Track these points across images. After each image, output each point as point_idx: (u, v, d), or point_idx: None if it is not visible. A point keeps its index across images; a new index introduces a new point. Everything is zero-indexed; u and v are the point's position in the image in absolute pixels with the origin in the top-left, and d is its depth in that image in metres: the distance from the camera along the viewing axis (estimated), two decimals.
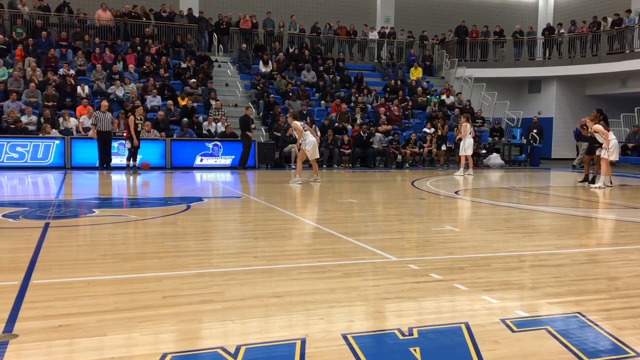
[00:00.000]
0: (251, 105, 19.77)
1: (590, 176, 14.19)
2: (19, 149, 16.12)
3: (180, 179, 14.78)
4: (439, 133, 20.59)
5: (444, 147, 20.49)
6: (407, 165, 20.08)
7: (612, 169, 13.98)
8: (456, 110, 22.33)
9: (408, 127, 21.66)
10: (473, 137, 17.52)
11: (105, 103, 16.35)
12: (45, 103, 17.77)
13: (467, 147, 16.87)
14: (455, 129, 20.53)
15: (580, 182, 14.49)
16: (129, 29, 22.81)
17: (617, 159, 13.75)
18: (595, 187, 13.24)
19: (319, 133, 18.86)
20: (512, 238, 6.84)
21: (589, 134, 13.90)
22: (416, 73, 25.22)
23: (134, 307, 3.94)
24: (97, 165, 16.40)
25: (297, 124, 13.15)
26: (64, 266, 5.14)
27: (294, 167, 18.46)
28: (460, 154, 17.34)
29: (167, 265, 5.21)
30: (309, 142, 13.04)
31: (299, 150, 13.58)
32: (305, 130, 13.14)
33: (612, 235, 7.72)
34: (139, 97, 18.89)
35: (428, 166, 20.53)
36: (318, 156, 13.64)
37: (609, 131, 13.39)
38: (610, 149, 13.03)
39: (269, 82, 22.12)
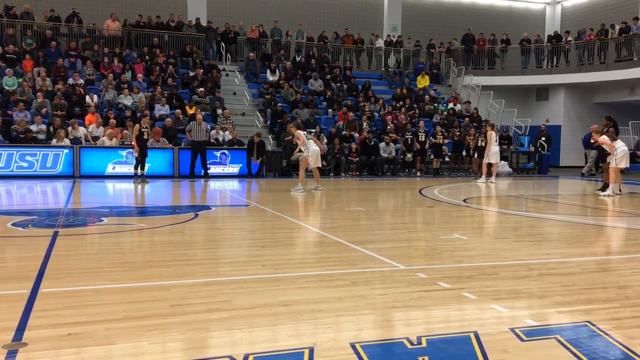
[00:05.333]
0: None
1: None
2: (28, 157, 16.22)
3: (188, 187, 14.82)
4: (455, 139, 20.68)
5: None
6: (418, 174, 20.04)
7: (621, 176, 13.90)
8: (466, 119, 22.33)
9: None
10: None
11: (200, 116, 17.26)
12: (54, 112, 17.90)
13: (491, 155, 16.94)
14: (467, 137, 20.57)
15: (598, 190, 14.35)
16: (137, 39, 22.98)
17: (627, 166, 13.65)
18: (604, 195, 13.16)
19: (325, 140, 18.90)
20: (520, 246, 6.81)
21: (596, 144, 13.87)
22: (423, 81, 25.23)
23: (142, 315, 3.95)
24: (189, 174, 16.93)
25: (300, 133, 13.28)
26: (73, 275, 5.15)
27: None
28: (484, 162, 17.38)
29: (175, 273, 5.22)
30: (313, 151, 13.11)
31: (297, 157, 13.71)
32: (308, 139, 13.26)
33: (622, 244, 7.67)
34: (147, 106, 18.99)
35: (435, 175, 20.47)
36: (320, 165, 13.71)
37: (616, 139, 13.33)
38: (617, 156, 12.97)
39: (277, 91, 22.19)
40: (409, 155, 20.03)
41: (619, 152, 13.03)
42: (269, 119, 20.92)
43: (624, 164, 13.19)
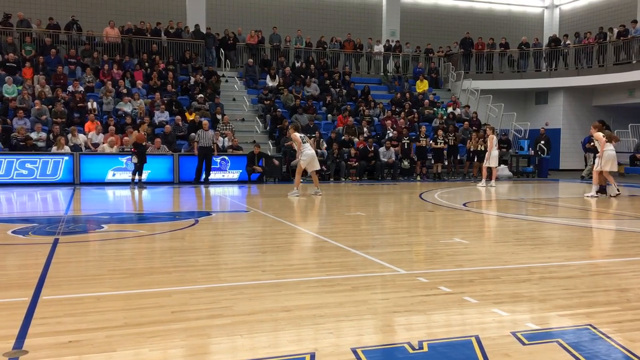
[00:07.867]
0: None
1: (608, 187, 14.03)
2: (28, 165, 16.23)
3: (188, 193, 14.82)
4: (451, 143, 20.69)
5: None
6: (418, 178, 20.03)
7: (617, 179, 13.90)
8: (465, 123, 22.37)
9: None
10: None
11: (205, 122, 17.44)
12: (54, 119, 17.92)
13: (491, 159, 16.97)
14: (469, 141, 20.58)
15: (597, 192, 14.41)
16: (136, 46, 23.02)
17: (612, 170, 13.61)
18: (588, 196, 13.26)
19: (325, 145, 18.91)
20: (521, 250, 6.80)
21: (592, 145, 13.93)
22: (422, 86, 25.27)
23: (143, 322, 3.94)
24: (194, 179, 17.08)
25: (297, 135, 13.22)
26: (73, 282, 5.15)
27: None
28: (484, 166, 17.40)
29: (175, 280, 5.21)
30: (306, 154, 13.08)
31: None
32: (304, 143, 13.19)
33: (623, 247, 7.65)
34: (147, 113, 19.01)
35: (436, 179, 20.48)
36: (317, 168, 13.64)
37: (610, 142, 13.38)
38: (603, 159, 13.04)
39: (276, 97, 22.22)
40: (406, 162, 20.01)
41: (606, 155, 13.09)
42: (268, 125, 20.94)
43: (609, 167, 13.21)
